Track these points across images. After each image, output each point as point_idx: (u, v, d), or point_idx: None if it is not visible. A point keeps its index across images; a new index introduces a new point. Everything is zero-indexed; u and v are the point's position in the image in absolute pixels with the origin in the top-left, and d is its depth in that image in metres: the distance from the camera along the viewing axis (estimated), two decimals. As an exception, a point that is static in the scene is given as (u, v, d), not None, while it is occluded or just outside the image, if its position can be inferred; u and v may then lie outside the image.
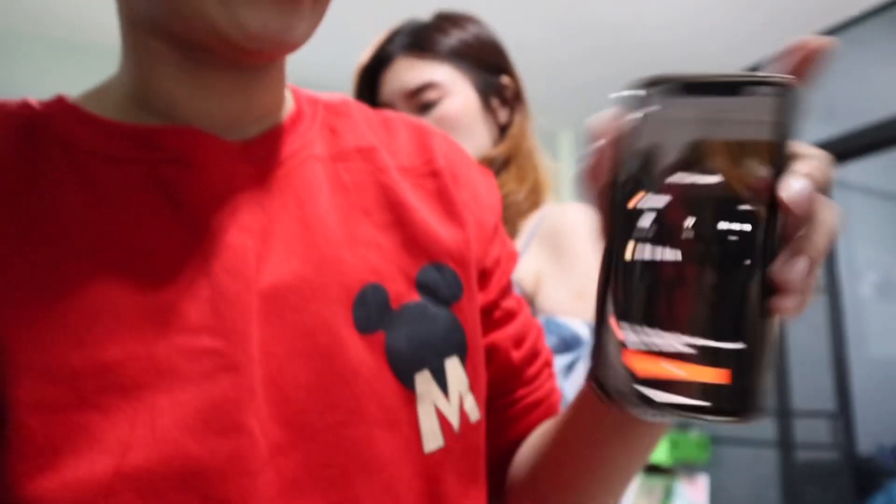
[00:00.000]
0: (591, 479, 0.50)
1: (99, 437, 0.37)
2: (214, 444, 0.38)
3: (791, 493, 3.04)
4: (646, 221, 0.32)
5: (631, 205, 0.33)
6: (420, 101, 1.01)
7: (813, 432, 3.03)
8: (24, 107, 0.45)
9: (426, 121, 0.99)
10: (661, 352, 0.31)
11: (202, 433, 0.38)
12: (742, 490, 3.39)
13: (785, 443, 3.09)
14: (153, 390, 0.38)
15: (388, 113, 0.58)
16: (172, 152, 0.44)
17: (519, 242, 1.00)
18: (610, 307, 0.33)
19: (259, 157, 0.46)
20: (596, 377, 0.33)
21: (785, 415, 3.11)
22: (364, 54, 1.07)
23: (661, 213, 0.32)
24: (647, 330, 0.32)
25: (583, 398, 0.47)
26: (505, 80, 1.08)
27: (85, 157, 0.43)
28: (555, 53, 3.18)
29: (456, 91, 1.02)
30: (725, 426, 0.40)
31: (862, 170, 3.19)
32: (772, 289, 0.30)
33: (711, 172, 0.32)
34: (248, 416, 0.39)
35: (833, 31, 2.98)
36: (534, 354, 0.57)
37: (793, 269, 0.30)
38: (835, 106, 3.13)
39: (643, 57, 3.19)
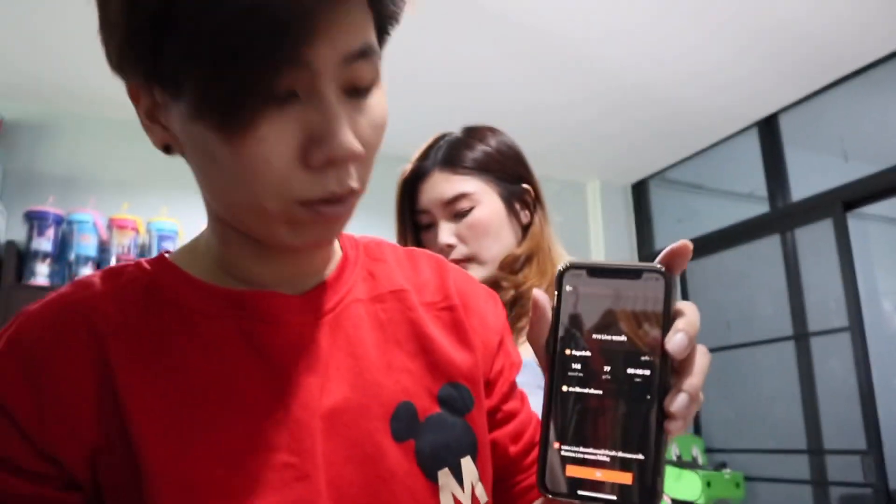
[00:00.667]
0: None
1: None
2: None
3: (827, 529, 3.07)
4: (576, 366, 0.46)
5: (566, 353, 0.46)
6: (454, 209, 1.19)
7: (847, 468, 3.05)
8: (140, 269, 0.59)
9: (461, 227, 1.17)
10: (584, 460, 0.44)
11: None
12: (779, 528, 3.41)
13: (818, 480, 3.13)
14: (249, 496, 0.51)
15: (414, 250, 0.73)
16: (255, 312, 0.57)
17: None
18: (551, 429, 0.46)
19: (317, 305, 0.60)
20: (541, 479, 0.46)
21: (817, 452, 3.15)
22: (405, 168, 1.25)
23: (585, 361, 0.45)
24: (575, 446, 0.44)
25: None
26: (525, 186, 1.25)
27: (189, 313, 0.56)
28: (580, 112, 3.31)
29: (485, 200, 1.19)
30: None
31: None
32: (664, 414, 0.43)
33: (619, 333, 0.45)
34: None
35: (848, 76, 3.07)
36: (530, 446, 0.70)
37: (676, 402, 0.43)
38: (848, 149, 3.21)
39: (662, 111, 3.31)
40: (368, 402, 0.58)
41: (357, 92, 0.51)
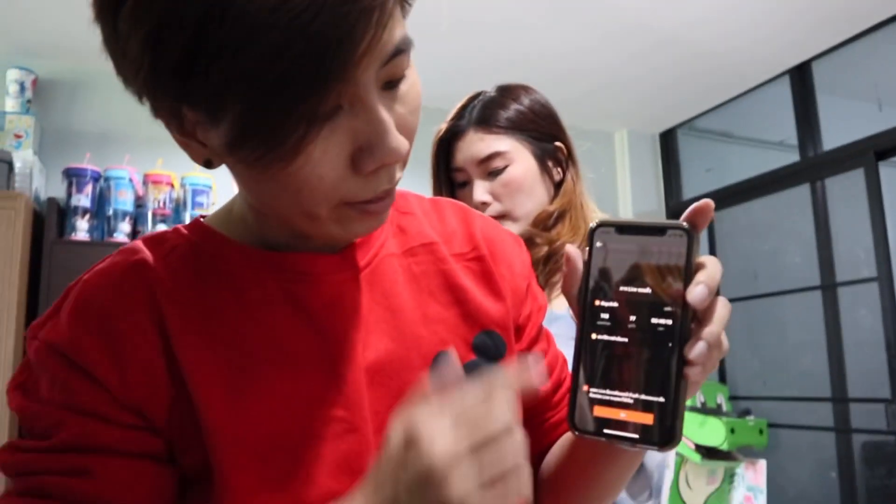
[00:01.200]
0: (587, 485, 0.67)
1: (281, 482, 0.54)
2: (347, 483, 0.54)
3: (849, 475, 3.10)
4: (605, 316, 0.50)
5: (595, 304, 0.50)
6: (489, 167, 1.23)
7: (871, 416, 3.08)
8: (180, 235, 0.61)
9: (495, 184, 1.20)
10: (610, 402, 0.49)
11: (338, 476, 0.56)
12: (801, 473, 3.45)
13: (841, 427, 3.16)
14: (305, 448, 0.55)
15: (438, 200, 0.75)
16: (295, 272, 0.60)
17: None
18: (581, 372, 0.50)
19: (352, 262, 0.62)
20: (571, 418, 0.50)
21: (841, 401, 3.17)
22: (441, 127, 1.28)
23: (613, 311, 0.49)
24: (602, 388, 0.49)
25: None
26: (558, 144, 1.28)
27: (234, 277, 0.59)
28: (607, 58, 3.27)
29: (518, 158, 1.23)
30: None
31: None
32: (685, 361, 0.47)
33: (644, 285, 0.49)
34: (368, 461, 0.56)
35: (884, 23, 2.99)
36: (558, 384, 0.74)
37: (695, 349, 0.46)
38: (883, 97, 3.15)
39: (691, 58, 3.25)
40: (408, 353, 0.62)
41: (392, 84, 0.51)
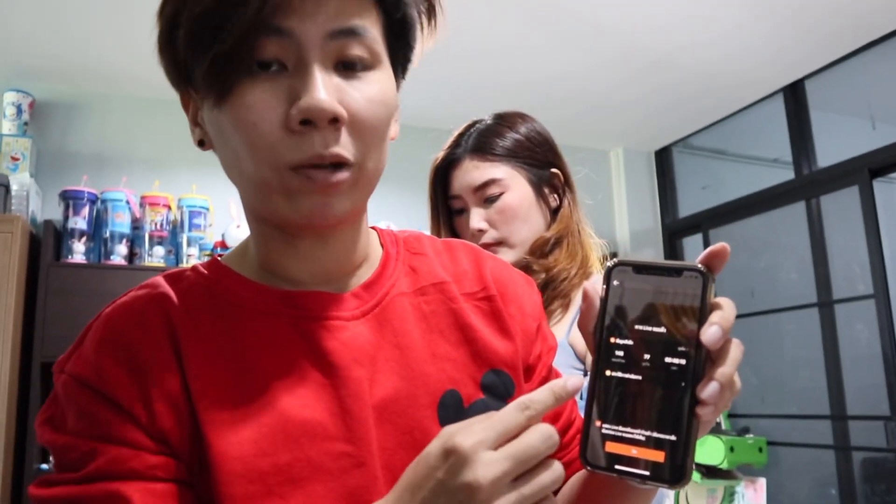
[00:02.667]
0: None
1: None
2: None
3: (849, 492, 3.09)
4: (619, 353, 0.50)
5: (611, 341, 0.51)
6: (485, 195, 1.23)
7: (870, 433, 3.07)
8: (198, 273, 0.64)
9: (491, 212, 1.21)
10: (622, 438, 0.49)
11: None
12: (801, 491, 3.43)
13: (841, 445, 3.15)
14: (311, 482, 0.55)
15: (451, 241, 0.76)
16: (307, 310, 0.61)
17: (572, 310, 1.19)
18: (594, 408, 0.50)
19: (363, 301, 0.64)
20: (583, 453, 0.50)
21: (840, 418, 3.17)
22: (438, 155, 1.29)
23: (628, 349, 0.50)
24: (615, 425, 0.49)
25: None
26: (554, 171, 1.28)
27: (248, 313, 0.61)
28: (602, 79, 3.30)
29: (514, 185, 1.23)
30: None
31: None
32: (697, 401, 0.47)
33: (660, 324, 0.49)
34: (374, 496, 0.56)
35: (876, 41, 3.03)
36: (569, 424, 0.74)
37: (707, 389, 0.47)
38: (876, 115, 3.18)
39: (685, 77, 3.28)
40: (416, 391, 0.62)
41: (348, 66, 0.56)
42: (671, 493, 1.16)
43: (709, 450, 3.13)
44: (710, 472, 3.14)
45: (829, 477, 3.20)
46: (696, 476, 3.12)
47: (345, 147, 0.56)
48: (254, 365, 0.59)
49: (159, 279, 0.63)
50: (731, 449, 3.10)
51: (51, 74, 3.08)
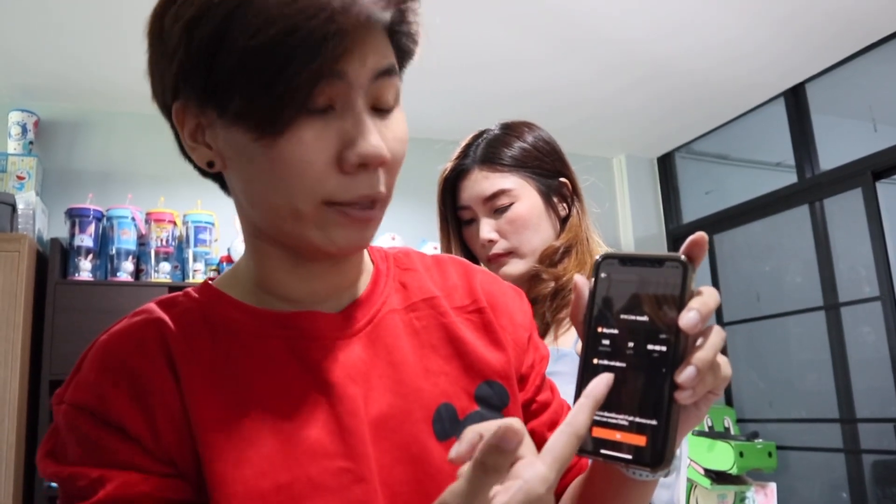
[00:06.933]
0: None
1: None
2: None
3: (860, 495, 3.08)
4: (606, 342, 0.52)
5: (598, 330, 0.52)
6: (494, 205, 1.23)
7: (880, 435, 3.06)
8: (190, 298, 0.64)
9: (501, 222, 1.21)
10: (607, 423, 0.50)
11: None
12: (812, 495, 3.42)
13: (850, 448, 3.14)
14: (313, 500, 0.56)
15: (440, 257, 0.77)
16: (300, 330, 0.62)
17: None
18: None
19: (355, 320, 0.65)
20: None
21: (849, 421, 3.16)
22: (445, 166, 1.30)
23: (613, 338, 0.51)
24: (601, 410, 0.50)
25: (592, 466, 0.66)
26: (562, 180, 1.29)
27: (242, 336, 0.61)
28: (603, 87, 3.32)
29: (523, 195, 1.23)
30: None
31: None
32: (676, 386, 0.48)
33: (643, 313, 0.51)
34: None
35: (877, 44, 3.03)
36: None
37: (684, 374, 0.48)
38: (878, 118, 3.18)
39: (686, 83, 3.30)
40: (410, 406, 0.63)
41: (380, 111, 0.58)
42: (683, 497, 1.16)
43: (718, 455, 3.13)
44: (720, 477, 3.13)
45: (840, 480, 3.19)
46: (705, 482, 3.11)
47: (382, 184, 0.58)
48: (250, 386, 0.59)
49: (152, 305, 0.63)
50: (741, 454, 3.10)
51: (55, 94, 3.10)
